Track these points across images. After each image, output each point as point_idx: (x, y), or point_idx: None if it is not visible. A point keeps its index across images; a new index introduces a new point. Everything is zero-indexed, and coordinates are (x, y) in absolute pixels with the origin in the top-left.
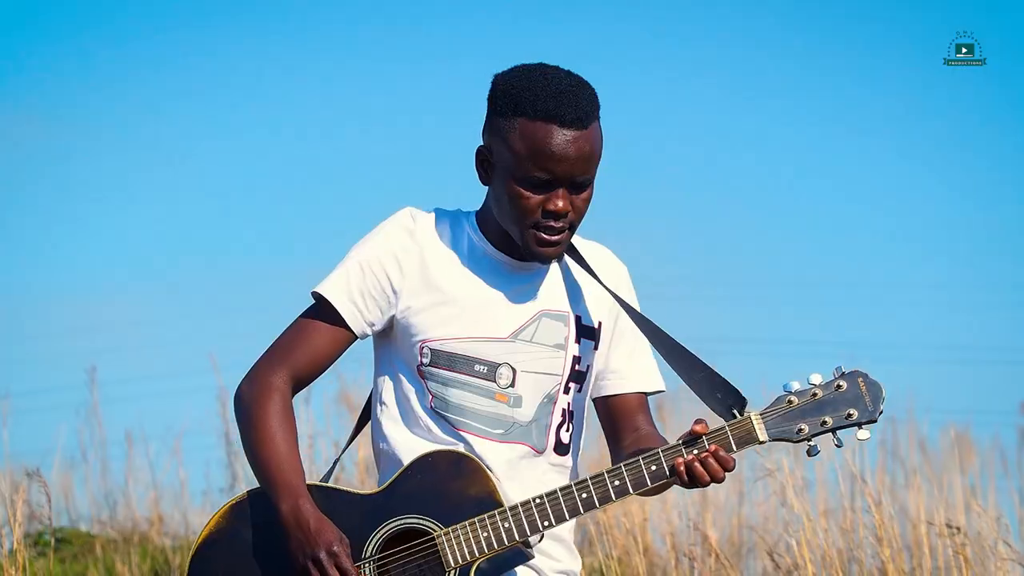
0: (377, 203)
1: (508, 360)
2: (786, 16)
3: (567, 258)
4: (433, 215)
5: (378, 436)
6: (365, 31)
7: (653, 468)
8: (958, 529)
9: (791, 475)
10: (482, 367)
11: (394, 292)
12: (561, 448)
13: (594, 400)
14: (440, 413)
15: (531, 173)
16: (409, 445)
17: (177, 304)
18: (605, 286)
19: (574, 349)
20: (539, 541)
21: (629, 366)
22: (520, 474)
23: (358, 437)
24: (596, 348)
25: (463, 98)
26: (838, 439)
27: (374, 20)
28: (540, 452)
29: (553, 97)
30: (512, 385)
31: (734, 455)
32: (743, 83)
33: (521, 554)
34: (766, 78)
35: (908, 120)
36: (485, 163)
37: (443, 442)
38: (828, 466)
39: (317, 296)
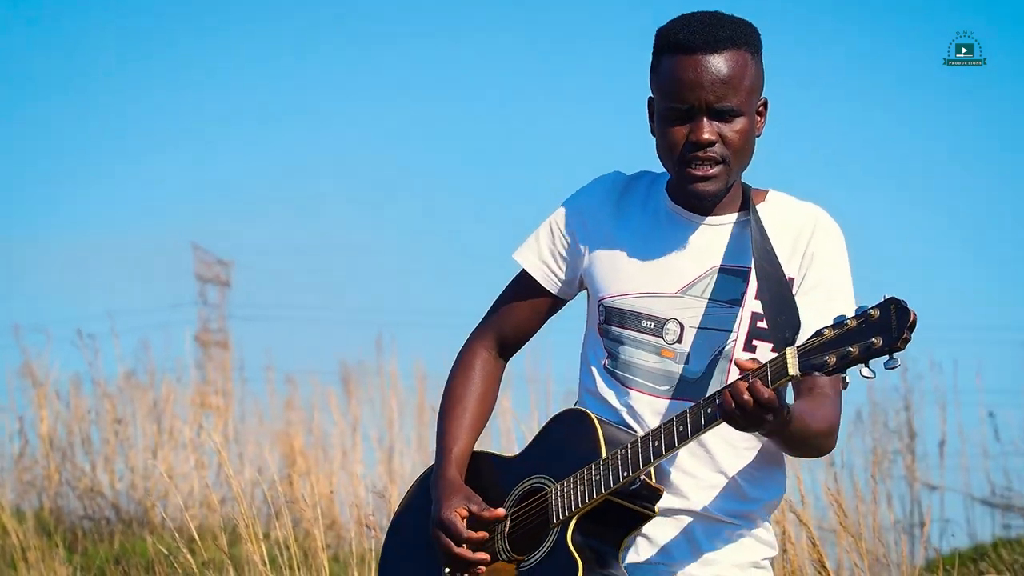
0: None
1: (676, 316)
2: (787, 17)
3: (758, 214)
4: (634, 176)
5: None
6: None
7: (708, 411)
8: None
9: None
10: (649, 323)
11: (581, 250)
12: None
13: None
14: (612, 371)
15: (670, 105)
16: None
17: None
18: (762, 239)
19: (754, 306)
20: (659, 498)
21: (807, 321)
22: None
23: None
24: None
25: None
26: (870, 369)
27: None
28: None
29: (685, 28)
30: (679, 341)
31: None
32: None
33: (635, 514)
34: (767, 77)
35: (908, 119)
36: (651, 113)
37: (612, 402)
38: (518, 435)
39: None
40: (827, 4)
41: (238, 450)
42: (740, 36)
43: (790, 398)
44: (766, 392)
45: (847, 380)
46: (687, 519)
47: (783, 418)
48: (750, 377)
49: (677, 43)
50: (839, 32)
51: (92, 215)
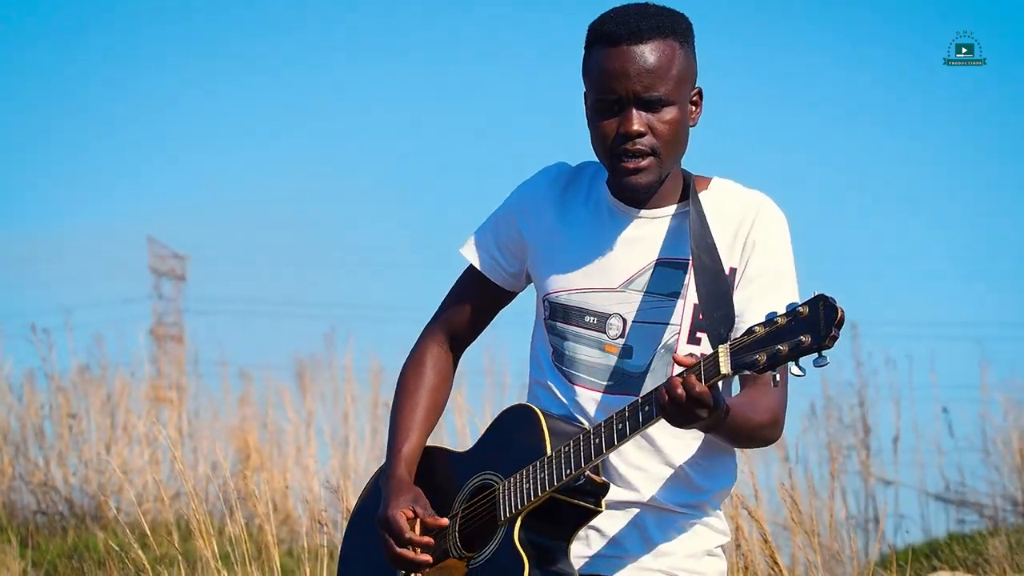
0: None
1: (618, 310)
2: (788, 17)
3: (701, 203)
4: (578, 167)
5: None
6: None
7: (646, 408)
8: None
9: None
10: (592, 318)
11: (526, 244)
12: None
13: None
14: (558, 366)
15: (599, 97)
16: (535, 404)
17: None
18: (700, 228)
19: (695, 297)
20: (606, 493)
21: (746, 310)
22: None
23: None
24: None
25: None
26: (800, 368)
27: None
28: None
29: (612, 21)
30: (622, 336)
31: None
32: (746, 83)
33: (583, 510)
34: (768, 77)
35: (909, 118)
36: (586, 108)
37: (559, 396)
38: (473, 432)
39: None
40: (828, 4)
41: (192, 445)
42: (667, 26)
43: (736, 389)
44: (698, 386)
45: (778, 378)
46: (637, 511)
47: (719, 414)
48: (684, 373)
49: (604, 35)
50: (839, 32)
51: (47, 209)
